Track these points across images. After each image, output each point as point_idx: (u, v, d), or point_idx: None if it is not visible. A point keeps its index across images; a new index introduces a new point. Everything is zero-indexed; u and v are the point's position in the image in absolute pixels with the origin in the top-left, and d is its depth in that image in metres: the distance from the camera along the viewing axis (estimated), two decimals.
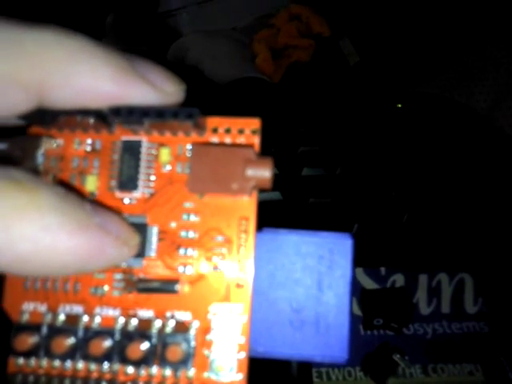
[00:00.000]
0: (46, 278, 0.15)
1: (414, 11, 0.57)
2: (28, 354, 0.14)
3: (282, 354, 0.15)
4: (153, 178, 0.15)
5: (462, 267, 0.40)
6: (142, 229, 0.15)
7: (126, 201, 0.15)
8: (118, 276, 0.15)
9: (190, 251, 0.15)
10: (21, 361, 0.14)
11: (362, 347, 0.37)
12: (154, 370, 0.14)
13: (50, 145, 0.15)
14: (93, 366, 0.14)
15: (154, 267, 0.15)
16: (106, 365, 0.14)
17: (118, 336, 0.14)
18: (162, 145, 0.15)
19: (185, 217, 0.15)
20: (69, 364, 0.14)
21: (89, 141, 0.15)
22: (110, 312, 0.15)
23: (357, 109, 0.49)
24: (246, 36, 0.63)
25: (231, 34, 0.64)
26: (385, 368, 0.35)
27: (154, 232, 0.15)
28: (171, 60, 0.59)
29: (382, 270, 0.39)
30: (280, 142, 0.44)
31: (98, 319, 0.15)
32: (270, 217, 0.39)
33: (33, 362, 0.14)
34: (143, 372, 0.14)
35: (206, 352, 0.14)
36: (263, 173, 0.14)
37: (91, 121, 0.14)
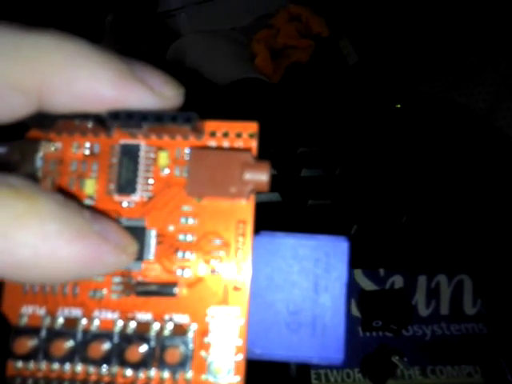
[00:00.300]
0: None
1: (413, 12, 0.57)
2: (27, 357, 0.14)
3: (279, 355, 0.15)
4: (151, 181, 0.15)
5: (460, 269, 0.40)
6: (140, 232, 0.15)
7: (125, 204, 0.15)
8: (117, 279, 0.15)
9: (188, 254, 0.15)
10: (20, 364, 0.14)
11: (361, 349, 0.37)
12: (153, 372, 0.14)
13: (49, 148, 0.15)
14: (91, 369, 0.14)
15: (153, 270, 0.15)
16: (104, 367, 0.14)
17: (116, 339, 0.14)
18: (160, 148, 0.15)
19: (183, 220, 0.15)
20: (67, 367, 0.14)
21: (87, 144, 0.16)
22: (109, 315, 0.15)
23: (356, 109, 0.49)
24: (245, 36, 0.63)
25: (230, 34, 0.64)
26: (384, 370, 0.36)
27: (152, 235, 0.15)
28: (170, 60, 0.59)
29: (381, 271, 0.39)
30: (279, 142, 0.44)
31: (96, 322, 0.15)
32: (269, 218, 0.39)
33: (32, 365, 0.14)
34: (142, 375, 0.14)
35: (203, 354, 0.14)
36: (261, 176, 0.14)
37: (90, 125, 0.14)
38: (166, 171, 0.15)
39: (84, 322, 0.15)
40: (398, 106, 0.49)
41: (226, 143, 0.15)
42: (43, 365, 0.14)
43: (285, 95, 0.55)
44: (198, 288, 0.15)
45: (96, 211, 0.14)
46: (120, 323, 0.15)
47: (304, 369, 0.35)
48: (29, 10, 0.51)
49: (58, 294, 0.15)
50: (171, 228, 0.15)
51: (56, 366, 0.14)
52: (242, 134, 0.15)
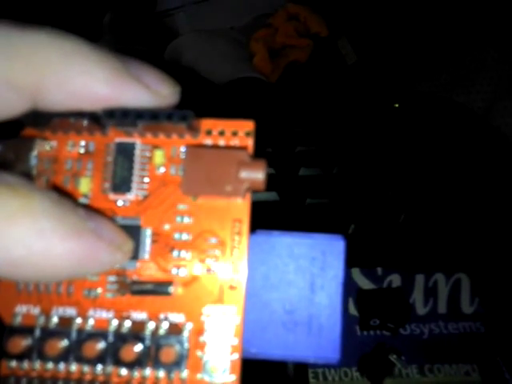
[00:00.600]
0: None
1: (412, 11, 0.57)
2: (21, 357, 0.14)
3: (275, 355, 0.15)
4: (146, 180, 0.15)
5: (458, 267, 0.40)
6: (135, 231, 0.15)
7: (120, 203, 0.15)
8: (112, 278, 0.15)
9: (183, 253, 0.15)
10: (13, 363, 0.14)
11: (359, 347, 0.37)
12: (148, 371, 0.14)
13: (44, 147, 0.15)
14: (86, 368, 0.14)
15: (148, 269, 0.15)
16: (99, 367, 0.14)
17: (111, 338, 0.14)
18: (155, 147, 0.15)
19: (178, 219, 0.15)
20: (62, 366, 0.14)
21: (82, 143, 0.15)
22: (104, 314, 0.15)
23: (354, 108, 0.49)
24: (243, 35, 0.63)
25: (229, 34, 0.64)
26: (381, 368, 0.36)
27: (147, 234, 0.15)
28: (168, 60, 0.59)
29: (379, 270, 0.39)
30: (277, 141, 0.44)
31: (91, 321, 0.15)
32: (268, 217, 0.39)
33: (26, 364, 0.14)
34: (137, 374, 0.14)
35: (199, 353, 0.14)
36: (257, 175, 0.14)
37: (85, 123, 0.14)
38: (162, 170, 0.15)
39: (78, 321, 0.15)
40: (396, 105, 0.49)
41: (221, 141, 0.15)
42: (37, 364, 0.14)
43: (283, 94, 0.55)
44: (193, 287, 0.15)
45: (91, 209, 0.14)
46: (115, 322, 0.14)
47: (302, 367, 0.35)
48: (27, 8, 0.51)
49: (53, 293, 0.15)
50: (167, 227, 0.15)
51: (50, 365, 0.14)
52: (238, 133, 0.15)
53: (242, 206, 0.15)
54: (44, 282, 0.15)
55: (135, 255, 0.15)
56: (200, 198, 0.15)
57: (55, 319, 0.15)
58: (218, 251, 0.15)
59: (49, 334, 0.14)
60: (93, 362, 0.14)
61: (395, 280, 0.39)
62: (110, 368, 0.14)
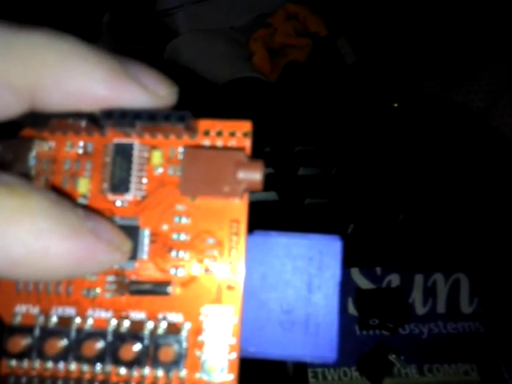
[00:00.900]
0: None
1: (411, 11, 0.57)
2: (20, 356, 0.14)
3: (273, 354, 0.15)
4: (145, 180, 0.15)
5: (457, 267, 0.40)
6: (133, 231, 0.15)
7: (118, 203, 0.15)
8: (110, 278, 0.15)
9: (181, 253, 0.15)
10: (13, 363, 0.14)
11: (358, 347, 0.37)
12: (147, 370, 0.14)
13: (42, 147, 0.15)
14: (85, 368, 0.14)
15: (146, 269, 0.15)
16: (98, 366, 0.14)
17: (110, 337, 0.14)
18: (153, 147, 0.15)
19: (176, 219, 0.15)
20: (61, 365, 0.14)
21: (81, 143, 0.16)
22: (103, 314, 0.15)
23: (353, 108, 0.49)
24: (242, 35, 0.63)
25: (228, 33, 0.64)
26: (380, 368, 0.36)
27: (145, 234, 0.15)
28: (167, 59, 0.59)
29: (378, 269, 0.39)
30: (276, 141, 0.44)
31: (90, 321, 0.15)
32: (267, 217, 0.39)
33: (25, 363, 0.14)
34: (135, 373, 0.14)
35: (197, 353, 0.15)
36: (254, 175, 0.14)
37: (83, 123, 0.14)
38: (160, 170, 0.15)
39: (78, 320, 0.15)
40: (396, 105, 0.49)
41: (219, 142, 0.15)
42: (37, 363, 0.14)
43: (282, 94, 0.55)
44: (191, 287, 0.15)
45: (89, 210, 0.14)
46: (114, 322, 0.15)
47: (301, 367, 0.35)
48: (25, 8, 0.51)
49: (52, 293, 0.15)
50: (165, 227, 0.15)
51: (50, 364, 0.14)
52: (236, 133, 0.15)
53: (239, 207, 0.15)
54: (43, 281, 0.15)
55: (134, 255, 0.15)
56: (198, 199, 0.15)
57: (54, 319, 0.15)
58: (216, 251, 0.15)
59: (48, 333, 0.14)
60: (92, 361, 0.14)
61: (394, 280, 0.39)
62: (109, 367, 0.14)
